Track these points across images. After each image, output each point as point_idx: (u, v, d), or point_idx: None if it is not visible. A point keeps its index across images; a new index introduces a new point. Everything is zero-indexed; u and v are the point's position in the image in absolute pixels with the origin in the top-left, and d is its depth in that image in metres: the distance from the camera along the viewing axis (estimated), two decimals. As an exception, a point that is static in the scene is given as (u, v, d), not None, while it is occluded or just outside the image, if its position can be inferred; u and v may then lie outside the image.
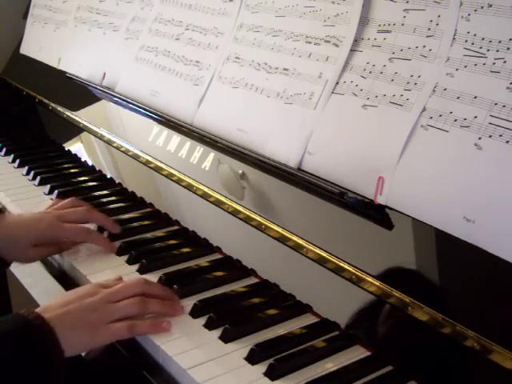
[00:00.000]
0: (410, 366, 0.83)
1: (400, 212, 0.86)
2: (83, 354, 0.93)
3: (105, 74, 1.52)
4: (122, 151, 1.39)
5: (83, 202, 1.18)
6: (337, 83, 1.00)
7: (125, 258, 1.08)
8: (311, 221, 0.99)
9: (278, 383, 0.79)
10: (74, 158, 1.55)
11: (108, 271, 1.04)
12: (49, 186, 1.36)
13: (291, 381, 0.80)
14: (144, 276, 1.01)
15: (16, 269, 1.14)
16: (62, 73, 1.65)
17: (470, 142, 0.81)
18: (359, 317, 0.89)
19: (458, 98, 0.84)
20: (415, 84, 0.90)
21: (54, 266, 1.13)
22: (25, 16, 1.94)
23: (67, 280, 1.08)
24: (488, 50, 0.82)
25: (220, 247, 1.11)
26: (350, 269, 0.89)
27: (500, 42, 0.81)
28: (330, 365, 0.83)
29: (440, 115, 0.86)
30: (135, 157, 1.34)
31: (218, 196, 1.12)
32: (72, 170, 1.49)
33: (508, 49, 0.80)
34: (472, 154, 0.81)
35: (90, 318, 0.84)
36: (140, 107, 1.35)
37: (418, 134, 0.87)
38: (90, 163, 1.50)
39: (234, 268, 1.05)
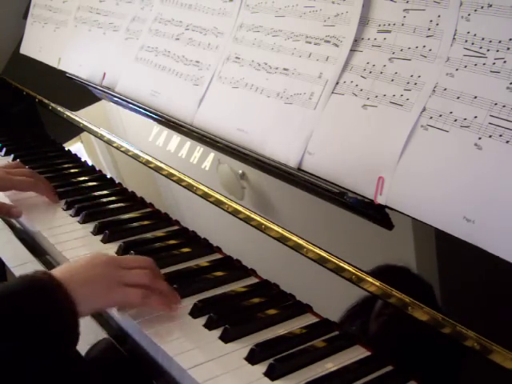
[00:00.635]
0: (410, 366, 0.83)
1: (400, 212, 0.86)
2: (83, 354, 0.93)
3: (105, 73, 1.52)
4: (122, 151, 1.39)
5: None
6: (337, 83, 1.00)
7: (125, 257, 1.08)
8: (311, 221, 0.99)
9: (278, 383, 0.79)
10: (74, 158, 1.55)
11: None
12: (49, 186, 1.36)
13: (291, 381, 0.80)
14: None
15: (16, 268, 1.14)
16: (62, 73, 1.65)
17: (470, 142, 0.81)
18: (359, 317, 0.89)
19: (458, 98, 0.84)
20: (415, 84, 0.90)
21: (52, 265, 1.13)
22: (25, 16, 1.94)
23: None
24: (488, 50, 0.82)
25: (220, 247, 1.11)
26: (349, 269, 0.89)
27: (500, 42, 0.81)
28: (330, 365, 0.83)
29: (440, 115, 0.86)
30: (135, 157, 1.34)
31: (217, 196, 1.12)
32: (72, 170, 1.49)
33: (508, 49, 0.80)
34: (472, 153, 0.81)
35: (103, 277, 0.85)
36: (140, 107, 1.35)
37: (418, 134, 0.87)
38: (90, 163, 1.50)
39: (234, 268, 1.05)
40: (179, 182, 1.21)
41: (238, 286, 1.00)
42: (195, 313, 0.92)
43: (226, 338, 0.86)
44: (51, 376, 0.79)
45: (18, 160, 1.43)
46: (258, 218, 1.04)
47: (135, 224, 1.20)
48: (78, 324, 0.79)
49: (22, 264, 1.12)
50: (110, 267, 0.88)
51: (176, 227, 1.20)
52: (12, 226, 1.25)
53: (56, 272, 0.83)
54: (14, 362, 0.74)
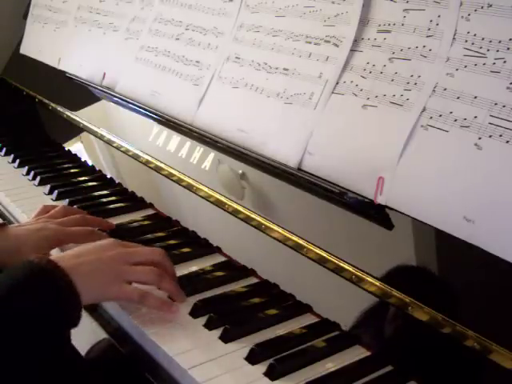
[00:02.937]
0: (409, 365, 0.83)
1: (400, 212, 0.86)
2: (83, 354, 0.93)
3: (105, 73, 1.52)
4: (122, 151, 1.39)
5: (74, 208, 1.20)
6: (337, 83, 1.00)
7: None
8: (311, 221, 0.99)
9: (278, 383, 0.79)
10: (74, 158, 1.55)
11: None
12: (49, 186, 1.36)
13: (291, 381, 0.80)
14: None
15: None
16: (62, 73, 1.65)
17: (470, 142, 0.81)
18: (359, 317, 0.89)
19: (458, 97, 0.84)
20: (415, 84, 0.90)
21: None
22: (25, 16, 1.94)
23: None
24: (488, 50, 0.82)
25: (220, 247, 1.11)
26: (350, 269, 0.89)
27: (500, 42, 0.81)
28: (330, 365, 0.83)
29: (440, 115, 0.86)
30: (135, 157, 1.34)
31: (218, 196, 1.12)
32: (72, 170, 1.49)
33: (508, 49, 0.80)
34: (472, 153, 0.81)
35: (105, 271, 0.86)
36: (140, 107, 1.35)
37: (418, 134, 0.87)
38: (89, 163, 1.50)
39: (234, 268, 1.05)
40: (179, 181, 1.21)
41: (237, 286, 1.00)
42: (195, 313, 0.92)
43: (226, 337, 0.86)
44: (52, 374, 0.80)
45: (64, 204, 1.23)
46: (258, 218, 1.04)
47: (135, 224, 1.20)
48: (80, 310, 0.80)
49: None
50: (116, 262, 0.88)
51: (176, 227, 1.20)
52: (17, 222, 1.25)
53: (62, 259, 0.83)
54: (17, 344, 0.75)
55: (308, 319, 0.92)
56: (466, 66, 0.84)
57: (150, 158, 1.30)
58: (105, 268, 0.86)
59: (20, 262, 0.81)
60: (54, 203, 1.28)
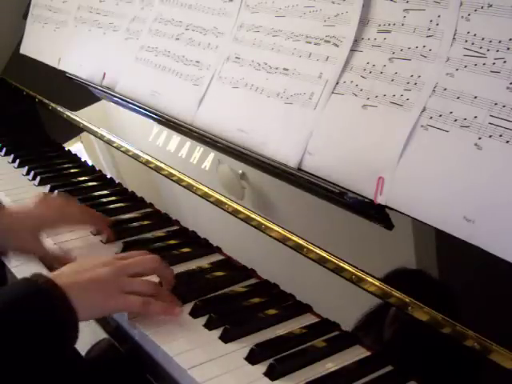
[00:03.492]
0: (409, 365, 0.83)
1: (400, 212, 0.86)
2: (83, 354, 0.93)
3: (105, 73, 1.52)
4: (122, 151, 1.39)
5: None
6: (337, 83, 1.00)
7: (125, 257, 1.08)
8: (311, 221, 0.99)
9: (278, 383, 0.79)
10: (74, 158, 1.55)
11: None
12: (49, 186, 1.36)
13: (291, 381, 0.80)
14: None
15: (16, 268, 1.14)
16: (62, 73, 1.65)
17: (470, 142, 0.81)
18: (359, 317, 0.89)
19: (458, 97, 0.84)
20: (415, 84, 0.90)
21: (55, 268, 1.12)
22: (25, 16, 1.94)
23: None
24: (488, 50, 0.82)
25: (220, 247, 1.11)
26: (349, 269, 0.89)
27: (500, 41, 0.81)
28: (330, 365, 0.83)
29: (440, 115, 0.86)
30: (135, 157, 1.34)
31: (218, 196, 1.12)
32: (72, 170, 1.49)
33: (508, 49, 0.80)
34: (472, 154, 0.81)
35: (104, 285, 0.85)
36: (140, 107, 1.35)
37: (418, 134, 0.87)
38: (89, 163, 1.50)
39: (234, 268, 1.05)
40: (179, 181, 1.21)
41: (238, 286, 1.00)
42: (195, 313, 0.92)
43: (226, 337, 0.86)
44: (51, 376, 0.80)
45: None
46: (258, 218, 1.04)
47: (135, 224, 1.20)
48: (77, 329, 0.80)
49: (23, 264, 1.11)
50: (113, 276, 0.87)
51: (176, 227, 1.20)
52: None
53: (59, 277, 0.82)
54: (13, 363, 0.75)
55: (308, 319, 0.92)
56: (466, 66, 0.84)
57: (150, 158, 1.30)
58: (102, 283, 0.85)
59: (18, 280, 0.82)
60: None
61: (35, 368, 0.76)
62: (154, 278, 0.94)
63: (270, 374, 0.80)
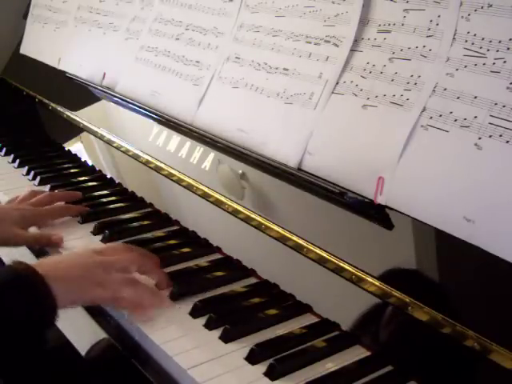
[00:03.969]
0: (409, 365, 0.83)
1: (400, 212, 0.86)
2: (83, 354, 0.93)
3: (105, 73, 1.52)
4: (122, 151, 1.39)
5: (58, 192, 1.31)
6: (337, 83, 1.00)
7: (125, 257, 1.08)
8: (311, 221, 0.99)
9: (278, 383, 0.79)
10: (74, 158, 1.55)
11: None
12: (49, 186, 1.36)
13: (291, 381, 0.80)
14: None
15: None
16: (62, 73, 1.65)
17: (470, 142, 0.81)
18: (359, 317, 0.89)
19: (458, 97, 0.84)
20: (415, 84, 0.90)
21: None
22: (25, 16, 1.94)
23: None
24: (488, 50, 0.82)
25: (220, 247, 1.11)
26: (349, 269, 0.89)
27: (500, 41, 0.81)
28: (330, 365, 0.83)
29: (440, 115, 0.86)
30: (135, 157, 1.34)
31: (217, 196, 1.12)
32: (72, 170, 1.49)
33: (508, 49, 0.80)
34: (472, 154, 0.81)
35: (82, 275, 0.88)
36: (140, 107, 1.35)
37: (418, 134, 0.87)
38: (90, 163, 1.50)
39: (234, 268, 1.05)
40: (179, 181, 1.21)
41: (238, 286, 1.00)
42: (195, 313, 0.92)
43: (226, 337, 0.86)
44: (50, 375, 0.80)
45: (30, 190, 1.27)
46: (258, 218, 1.04)
47: (135, 224, 1.20)
48: (56, 315, 0.82)
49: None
50: (92, 268, 0.89)
51: (176, 227, 1.20)
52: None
53: (40, 265, 0.85)
54: None
55: (308, 319, 0.92)
56: (466, 66, 0.84)
57: (150, 158, 1.30)
58: (81, 273, 0.88)
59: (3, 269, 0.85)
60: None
61: (13, 354, 0.79)
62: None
63: (270, 373, 0.80)
